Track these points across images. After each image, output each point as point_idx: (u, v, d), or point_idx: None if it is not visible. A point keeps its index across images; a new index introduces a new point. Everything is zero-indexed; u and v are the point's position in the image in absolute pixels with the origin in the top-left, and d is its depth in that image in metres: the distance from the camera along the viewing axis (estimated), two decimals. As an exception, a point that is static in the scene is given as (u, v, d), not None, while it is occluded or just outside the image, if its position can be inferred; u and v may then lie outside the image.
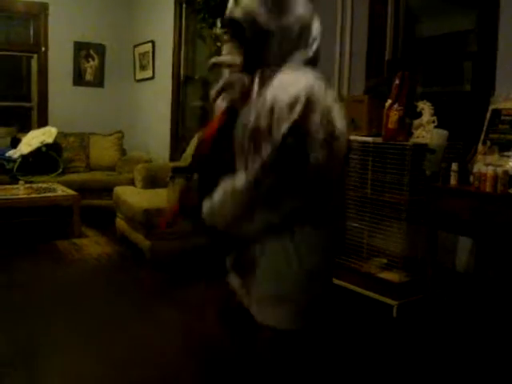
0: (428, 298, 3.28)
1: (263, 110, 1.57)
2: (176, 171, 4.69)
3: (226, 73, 1.83)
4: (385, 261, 3.66)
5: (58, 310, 3.64)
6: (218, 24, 4.66)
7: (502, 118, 3.11)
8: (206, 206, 1.68)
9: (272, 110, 1.55)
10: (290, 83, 1.59)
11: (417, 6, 4.33)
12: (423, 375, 2.82)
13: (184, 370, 2.88)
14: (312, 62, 1.77)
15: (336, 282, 3.84)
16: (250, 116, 1.60)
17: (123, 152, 7.32)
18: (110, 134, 7.33)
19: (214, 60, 1.94)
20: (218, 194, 1.65)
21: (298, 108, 1.53)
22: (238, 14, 1.67)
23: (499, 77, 3.32)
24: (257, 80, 1.65)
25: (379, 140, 3.54)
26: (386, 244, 3.59)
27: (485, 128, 3.18)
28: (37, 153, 6.47)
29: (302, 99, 1.54)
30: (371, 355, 3.02)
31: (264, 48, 1.67)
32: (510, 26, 3.27)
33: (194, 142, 5.06)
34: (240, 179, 1.60)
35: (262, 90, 1.61)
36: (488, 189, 2.87)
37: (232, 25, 1.70)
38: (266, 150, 1.54)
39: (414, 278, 3.51)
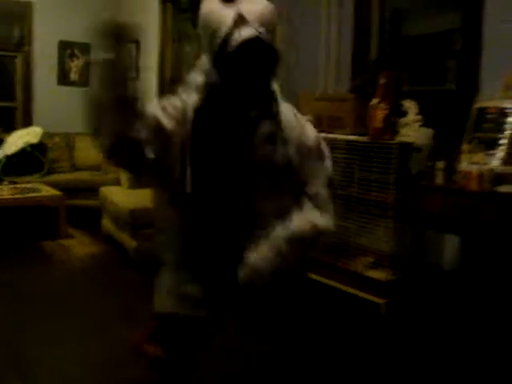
0: (415, 296, 3.29)
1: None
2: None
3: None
4: (372, 259, 3.67)
5: (45, 310, 3.61)
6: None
7: (487, 116, 3.13)
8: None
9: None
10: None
11: (402, 5, 4.34)
12: (411, 373, 2.83)
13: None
14: None
15: (323, 280, 3.85)
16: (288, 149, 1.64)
17: (109, 152, 7.26)
18: (96, 134, 7.27)
19: None
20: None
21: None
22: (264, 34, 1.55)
23: (484, 75, 3.34)
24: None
25: (365, 139, 3.55)
26: (373, 242, 3.60)
27: (470, 126, 3.20)
28: (21, 153, 6.41)
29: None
30: (359, 353, 3.03)
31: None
32: (494, 24, 3.29)
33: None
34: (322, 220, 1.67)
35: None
36: (473, 187, 2.88)
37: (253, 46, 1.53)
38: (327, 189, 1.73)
39: (401, 276, 3.52)
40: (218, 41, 1.50)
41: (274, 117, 1.63)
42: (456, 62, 3.79)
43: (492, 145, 3.05)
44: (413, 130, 3.46)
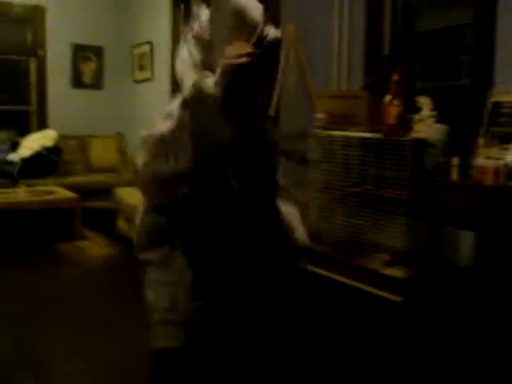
0: (431, 294, 3.27)
1: None
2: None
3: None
4: (387, 257, 3.65)
5: (60, 311, 3.63)
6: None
7: (502, 110, 3.10)
8: None
9: None
10: None
11: (414, 1, 4.31)
12: (427, 370, 2.81)
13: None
14: None
15: (338, 278, 3.83)
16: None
17: (124, 153, 7.31)
18: (110, 136, 7.32)
19: None
20: None
21: None
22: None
23: (498, 70, 3.31)
24: None
25: (379, 136, 3.53)
26: (388, 240, 3.58)
27: (485, 121, 3.17)
28: (37, 156, 6.46)
29: None
30: (375, 351, 3.01)
31: None
32: (507, 18, 3.26)
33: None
34: None
35: None
36: (489, 182, 2.86)
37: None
38: None
39: (417, 273, 3.50)
40: (256, 36, 1.61)
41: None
42: (470, 57, 3.76)
43: (507, 139, 3.02)
44: (427, 126, 3.43)
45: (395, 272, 3.53)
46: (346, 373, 2.83)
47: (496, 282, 3.22)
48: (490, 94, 3.23)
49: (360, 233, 3.71)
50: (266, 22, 1.63)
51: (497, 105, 3.14)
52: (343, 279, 3.79)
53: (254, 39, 1.60)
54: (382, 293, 3.54)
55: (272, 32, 1.65)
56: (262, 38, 1.62)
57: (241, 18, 1.63)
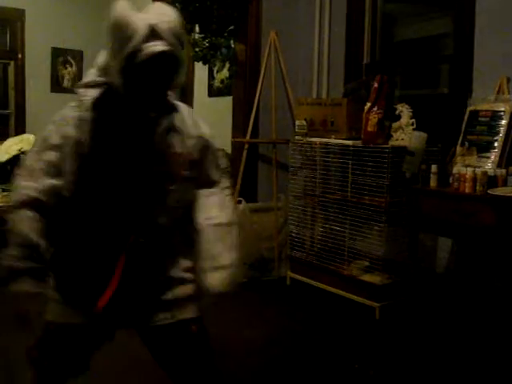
0: (409, 300, 3.29)
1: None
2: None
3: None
4: (366, 263, 3.67)
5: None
6: (197, 29, 4.65)
7: (480, 119, 3.14)
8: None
9: None
10: None
11: (394, 10, 4.36)
12: (405, 376, 2.83)
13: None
14: None
15: (317, 284, 3.84)
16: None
17: (102, 158, 7.26)
18: (89, 141, 7.27)
19: None
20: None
21: None
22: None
23: (476, 79, 3.35)
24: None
25: (359, 143, 3.56)
26: (367, 246, 3.60)
27: (463, 130, 3.21)
28: (15, 160, 6.39)
29: None
30: (354, 357, 3.02)
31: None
32: (486, 28, 3.30)
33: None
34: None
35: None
36: (467, 190, 2.89)
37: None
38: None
39: (396, 279, 3.52)
40: (129, 50, 1.53)
41: (171, 114, 1.71)
42: (448, 66, 3.80)
43: (485, 148, 3.06)
44: (406, 134, 3.47)
45: (374, 278, 3.55)
46: (325, 378, 2.83)
47: (473, 288, 3.25)
48: (468, 103, 3.27)
49: (339, 239, 3.72)
50: (155, 36, 1.52)
51: (475, 113, 3.18)
52: (322, 285, 3.80)
53: (124, 54, 1.54)
54: (360, 299, 3.56)
55: (155, 47, 1.53)
56: (135, 52, 1.53)
57: (112, 31, 1.63)
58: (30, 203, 1.69)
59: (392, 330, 3.33)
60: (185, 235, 1.83)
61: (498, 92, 3.19)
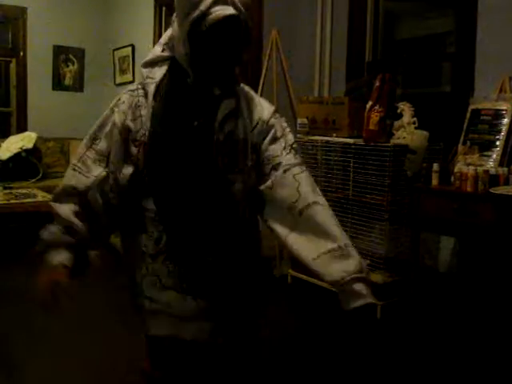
0: (411, 299, 3.29)
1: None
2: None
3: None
4: (368, 262, 3.66)
5: (39, 316, 3.59)
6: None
7: (482, 117, 3.14)
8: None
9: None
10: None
11: (396, 9, 4.35)
12: (407, 376, 2.83)
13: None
14: None
15: (318, 283, 3.84)
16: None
17: (104, 156, 7.26)
18: (91, 139, 7.27)
19: None
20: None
21: None
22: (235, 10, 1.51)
23: (478, 77, 3.35)
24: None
25: (360, 141, 3.55)
26: (369, 245, 3.60)
27: (465, 128, 3.21)
28: (16, 158, 6.39)
29: None
30: (355, 356, 3.02)
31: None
32: (488, 27, 3.30)
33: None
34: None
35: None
36: (469, 188, 2.89)
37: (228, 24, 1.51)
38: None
39: (397, 278, 3.52)
40: (196, 14, 1.47)
41: (235, 95, 1.63)
42: (451, 65, 3.80)
43: (487, 146, 3.06)
44: (408, 133, 3.46)
45: (375, 277, 3.54)
46: (326, 377, 2.84)
47: (475, 287, 3.25)
48: (470, 102, 3.26)
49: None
50: (223, 1, 1.46)
51: (477, 112, 3.18)
52: (324, 284, 3.79)
53: (191, 19, 1.47)
54: (362, 298, 3.55)
55: (224, 11, 1.47)
56: (203, 16, 1.47)
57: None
58: (75, 197, 1.66)
59: (393, 328, 3.33)
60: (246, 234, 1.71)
61: (500, 91, 3.19)
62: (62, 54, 7.47)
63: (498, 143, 3.03)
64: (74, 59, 7.57)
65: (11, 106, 7.33)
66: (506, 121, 3.03)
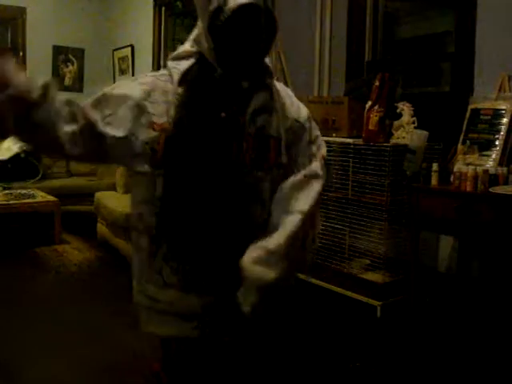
0: (411, 299, 3.29)
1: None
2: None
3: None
4: (367, 261, 3.67)
5: (39, 317, 3.59)
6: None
7: (481, 117, 3.14)
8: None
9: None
10: None
11: (395, 8, 4.35)
12: (407, 375, 2.83)
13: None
14: None
15: (318, 283, 3.84)
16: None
17: (104, 157, 7.26)
18: (90, 139, 7.28)
19: None
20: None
21: None
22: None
23: (477, 77, 3.35)
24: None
25: (360, 141, 3.55)
26: (369, 245, 3.60)
27: (464, 128, 3.21)
28: (16, 159, 6.40)
29: None
30: (355, 356, 3.02)
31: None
32: (487, 26, 3.30)
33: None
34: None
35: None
36: (468, 188, 2.89)
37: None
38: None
39: (397, 278, 3.52)
40: (214, 6, 1.45)
41: (268, 89, 1.59)
42: (450, 64, 3.80)
43: (486, 146, 3.06)
44: (407, 132, 3.46)
45: (375, 277, 3.55)
46: (326, 376, 2.84)
47: (475, 286, 3.25)
48: (470, 101, 3.26)
49: (340, 238, 3.72)
50: None
51: (476, 112, 3.18)
52: (323, 284, 3.80)
53: (209, 10, 1.44)
54: (361, 297, 3.56)
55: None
56: (218, 10, 1.44)
57: None
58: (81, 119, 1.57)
59: (393, 328, 3.33)
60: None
61: (500, 90, 3.19)
62: (61, 54, 7.49)
63: (497, 143, 3.03)
64: (73, 59, 7.58)
65: (11, 107, 7.32)
66: (505, 120, 3.03)
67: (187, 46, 1.62)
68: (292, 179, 1.61)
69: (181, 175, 1.53)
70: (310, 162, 1.66)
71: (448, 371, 2.82)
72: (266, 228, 1.57)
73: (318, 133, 1.74)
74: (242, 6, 1.43)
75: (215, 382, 1.72)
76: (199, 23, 1.57)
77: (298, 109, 1.68)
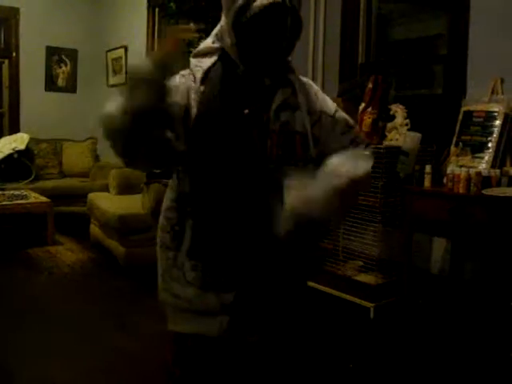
0: (404, 300, 3.30)
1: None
2: (150, 177, 4.70)
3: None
4: (361, 263, 3.67)
5: (32, 319, 3.58)
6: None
7: (474, 119, 3.15)
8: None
9: None
10: None
11: (388, 10, 4.37)
12: (400, 377, 2.83)
13: (159, 379, 2.85)
14: None
15: (312, 285, 3.84)
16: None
17: (97, 158, 7.26)
18: (83, 140, 7.27)
19: None
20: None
21: None
22: None
23: (470, 79, 3.36)
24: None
25: (353, 143, 3.55)
26: (362, 247, 3.61)
27: (457, 130, 3.22)
28: (9, 159, 6.38)
29: None
30: (348, 357, 3.03)
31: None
32: (480, 29, 3.31)
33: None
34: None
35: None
36: (461, 190, 2.90)
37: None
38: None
39: (390, 280, 3.53)
40: (240, 2, 1.46)
41: (290, 85, 1.60)
42: (443, 67, 3.81)
43: (479, 148, 3.07)
44: (400, 134, 3.47)
45: (368, 278, 3.55)
46: (319, 378, 2.84)
47: (468, 288, 3.26)
48: (463, 103, 3.27)
49: (334, 240, 3.72)
50: None
51: (469, 114, 3.19)
52: (317, 285, 3.80)
53: (236, 7, 1.45)
54: (355, 299, 3.56)
55: None
56: (247, 4, 1.45)
57: None
58: None
59: (387, 330, 3.33)
60: None
61: (492, 92, 3.20)
62: (54, 54, 7.46)
63: (490, 145, 3.04)
64: (66, 60, 7.56)
65: (3, 107, 7.31)
66: (497, 122, 3.04)
67: (209, 42, 1.62)
68: (336, 155, 1.53)
69: (206, 172, 1.53)
70: (352, 147, 1.63)
71: (441, 372, 2.82)
72: None
73: (352, 122, 1.71)
74: (269, 5, 1.44)
75: (229, 380, 1.72)
76: (223, 18, 1.57)
77: (323, 101, 1.68)
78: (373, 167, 1.62)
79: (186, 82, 1.57)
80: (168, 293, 1.64)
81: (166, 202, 1.65)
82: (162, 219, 1.65)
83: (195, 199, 1.55)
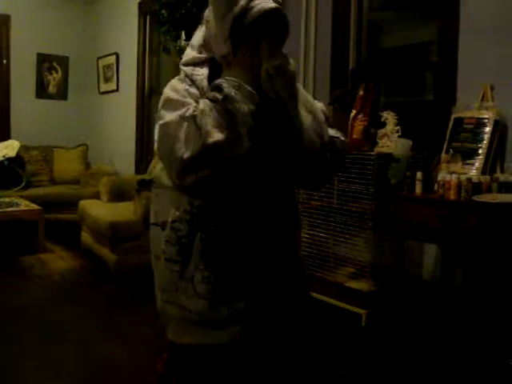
0: (396, 307, 3.30)
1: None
2: (141, 184, 4.69)
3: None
4: (352, 270, 3.67)
5: (22, 326, 3.56)
6: (183, 36, 4.65)
7: (464, 126, 3.17)
8: None
9: None
10: None
11: (379, 18, 4.39)
12: (392, 383, 2.83)
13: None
14: None
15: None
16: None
17: (88, 165, 7.24)
18: (74, 147, 7.25)
19: None
20: None
21: None
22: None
23: (460, 86, 3.38)
24: None
25: (344, 150, 3.56)
26: (353, 253, 3.61)
27: (447, 137, 3.23)
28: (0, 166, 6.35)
29: None
30: (340, 364, 3.02)
31: None
32: (470, 36, 3.33)
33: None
34: None
35: None
36: (452, 196, 2.91)
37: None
38: None
39: (382, 286, 3.53)
40: (238, 9, 1.46)
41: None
42: (433, 74, 3.83)
43: (469, 155, 3.08)
44: (391, 141, 3.48)
45: (360, 285, 3.55)
46: (311, 386, 2.83)
47: (459, 294, 3.27)
48: (453, 110, 3.29)
49: (325, 246, 3.73)
50: None
51: (459, 121, 3.21)
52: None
53: (233, 14, 1.46)
54: (346, 306, 3.56)
55: (267, 4, 1.46)
56: (244, 10, 1.46)
57: None
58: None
59: (378, 336, 3.33)
60: None
61: (482, 99, 3.21)
62: (45, 61, 7.45)
63: (480, 151, 3.05)
64: (57, 67, 7.55)
65: (-6, 114, 7.28)
66: (488, 129, 3.06)
67: (194, 53, 1.62)
68: None
69: (222, 187, 1.53)
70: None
71: (432, 378, 2.82)
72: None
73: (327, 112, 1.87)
74: (270, 10, 1.47)
75: None
76: (210, 28, 1.56)
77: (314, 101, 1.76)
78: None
79: (191, 91, 1.56)
80: (173, 305, 1.61)
81: (173, 213, 1.59)
82: (168, 231, 1.60)
83: (214, 213, 1.55)
